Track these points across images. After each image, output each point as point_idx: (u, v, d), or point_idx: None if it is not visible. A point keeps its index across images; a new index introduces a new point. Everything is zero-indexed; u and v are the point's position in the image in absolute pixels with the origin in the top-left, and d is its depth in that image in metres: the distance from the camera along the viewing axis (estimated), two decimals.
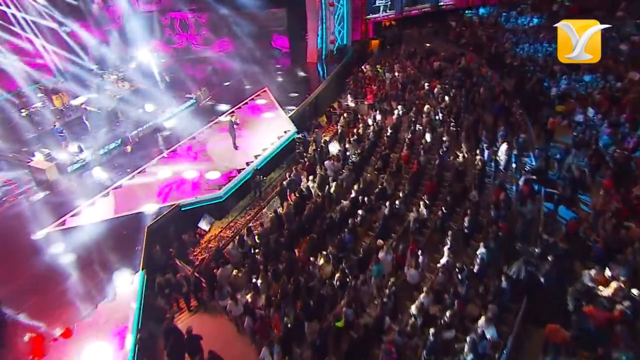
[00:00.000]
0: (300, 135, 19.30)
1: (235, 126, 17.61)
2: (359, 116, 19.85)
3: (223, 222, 15.55)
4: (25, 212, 14.81)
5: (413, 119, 17.95)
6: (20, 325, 10.73)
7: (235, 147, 17.94)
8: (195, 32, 29.63)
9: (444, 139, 16.27)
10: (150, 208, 14.51)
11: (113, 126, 20.01)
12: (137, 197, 15.24)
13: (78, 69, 23.55)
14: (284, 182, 15.28)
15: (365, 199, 13.56)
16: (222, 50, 29.07)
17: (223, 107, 21.94)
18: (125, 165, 17.37)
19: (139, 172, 16.77)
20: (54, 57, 23.19)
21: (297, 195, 14.53)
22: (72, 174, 16.94)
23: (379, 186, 14.12)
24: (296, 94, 22.86)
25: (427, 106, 18.79)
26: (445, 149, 15.57)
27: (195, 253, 14.26)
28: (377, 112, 19.40)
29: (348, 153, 16.66)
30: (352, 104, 21.68)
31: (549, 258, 9.74)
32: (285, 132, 19.01)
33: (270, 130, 19.30)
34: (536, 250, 10.50)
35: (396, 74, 22.84)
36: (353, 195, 13.95)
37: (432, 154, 15.87)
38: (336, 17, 26.71)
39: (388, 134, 17.47)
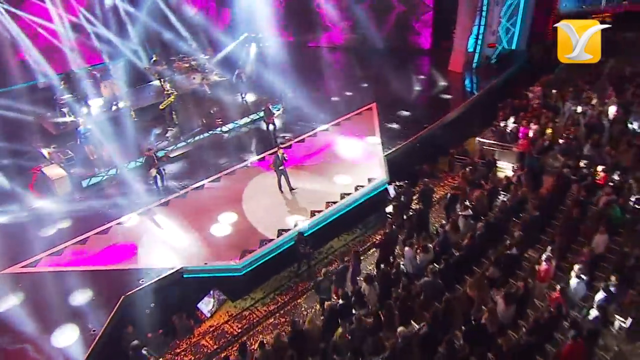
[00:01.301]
0: (400, 184, 15.90)
1: (283, 163, 15.25)
2: (492, 171, 15.63)
3: (237, 306, 13.18)
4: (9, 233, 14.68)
5: (582, 197, 13.11)
6: None
7: (291, 189, 15.72)
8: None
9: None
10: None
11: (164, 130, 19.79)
12: (139, 243, 13.98)
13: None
14: (329, 272, 12.16)
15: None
16: (332, 42, 27.82)
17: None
18: (150, 188, 16.41)
19: (153, 206, 15.57)
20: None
21: (340, 298, 11.37)
22: (87, 189, 16.60)
23: (476, 319, 10.02)
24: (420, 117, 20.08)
25: (617, 177, 13.66)
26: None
27: (178, 349, 12.14)
28: (526, 171, 14.81)
29: (448, 236, 12.70)
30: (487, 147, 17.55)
31: None
32: (370, 179, 15.92)
33: (352, 173, 16.49)
34: None
35: (585, 109, 17.64)
36: (425, 325, 10.13)
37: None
38: (505, 7, 22.47)
39: (529, 216, 12.95)
